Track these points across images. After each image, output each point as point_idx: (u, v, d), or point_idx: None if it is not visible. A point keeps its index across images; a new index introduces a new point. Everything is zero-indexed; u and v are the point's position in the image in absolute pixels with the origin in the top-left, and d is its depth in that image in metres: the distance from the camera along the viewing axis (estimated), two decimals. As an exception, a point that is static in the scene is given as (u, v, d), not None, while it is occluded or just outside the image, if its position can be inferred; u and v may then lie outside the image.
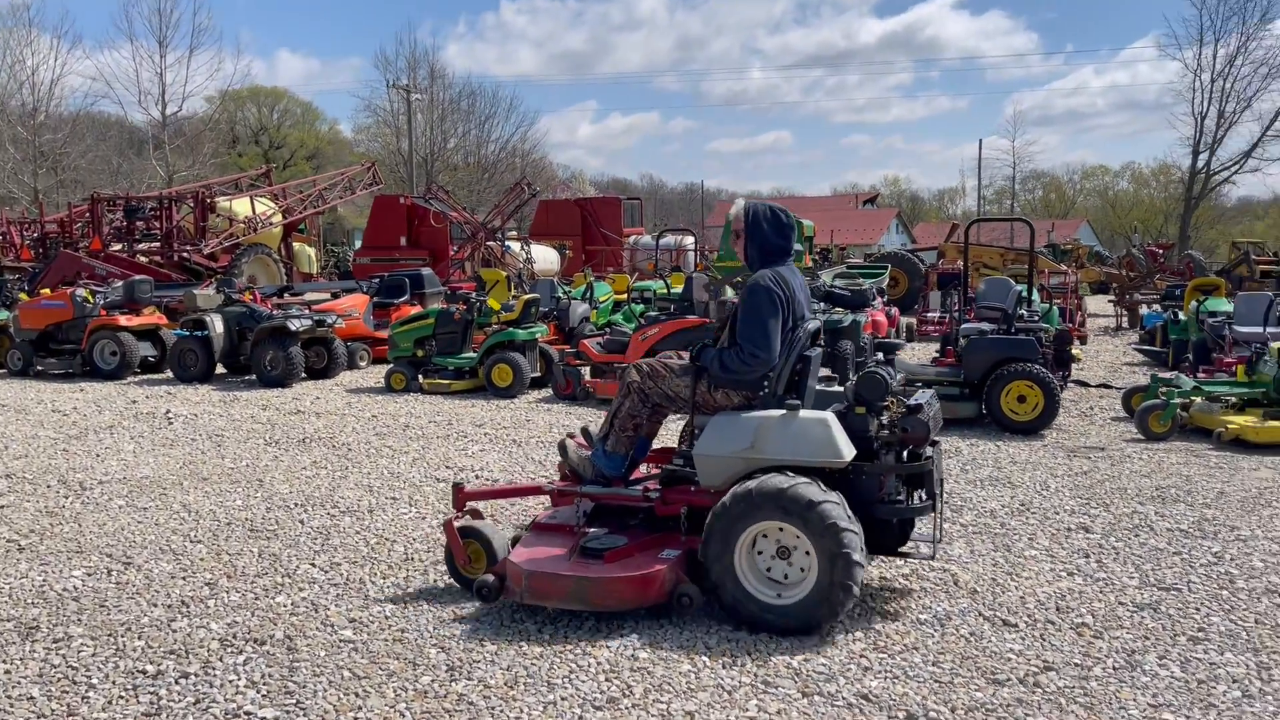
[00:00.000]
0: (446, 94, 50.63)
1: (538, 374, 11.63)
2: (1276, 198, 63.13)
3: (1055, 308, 13.75)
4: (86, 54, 79.52)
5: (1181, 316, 13.47)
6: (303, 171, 50.39)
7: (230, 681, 3.76)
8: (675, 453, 4.93)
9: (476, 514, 4.96)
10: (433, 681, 3.76)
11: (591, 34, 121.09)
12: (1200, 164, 47.91)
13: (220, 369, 12.82)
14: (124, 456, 7.96)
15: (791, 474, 4.11)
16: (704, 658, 3.95)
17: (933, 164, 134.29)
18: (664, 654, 3.98)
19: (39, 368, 13.49)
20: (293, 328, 12.05)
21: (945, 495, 5.26)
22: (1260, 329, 11.09)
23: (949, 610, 4.47)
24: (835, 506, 4.04)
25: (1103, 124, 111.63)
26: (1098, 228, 66.88)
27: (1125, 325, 19.97)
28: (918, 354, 14.41)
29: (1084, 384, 11.66)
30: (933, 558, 4.61)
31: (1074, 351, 11.11)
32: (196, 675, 3.82)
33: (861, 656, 3.97)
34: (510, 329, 11.40)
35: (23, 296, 15.38)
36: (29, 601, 4.64)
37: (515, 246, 25.39)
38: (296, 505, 6.38)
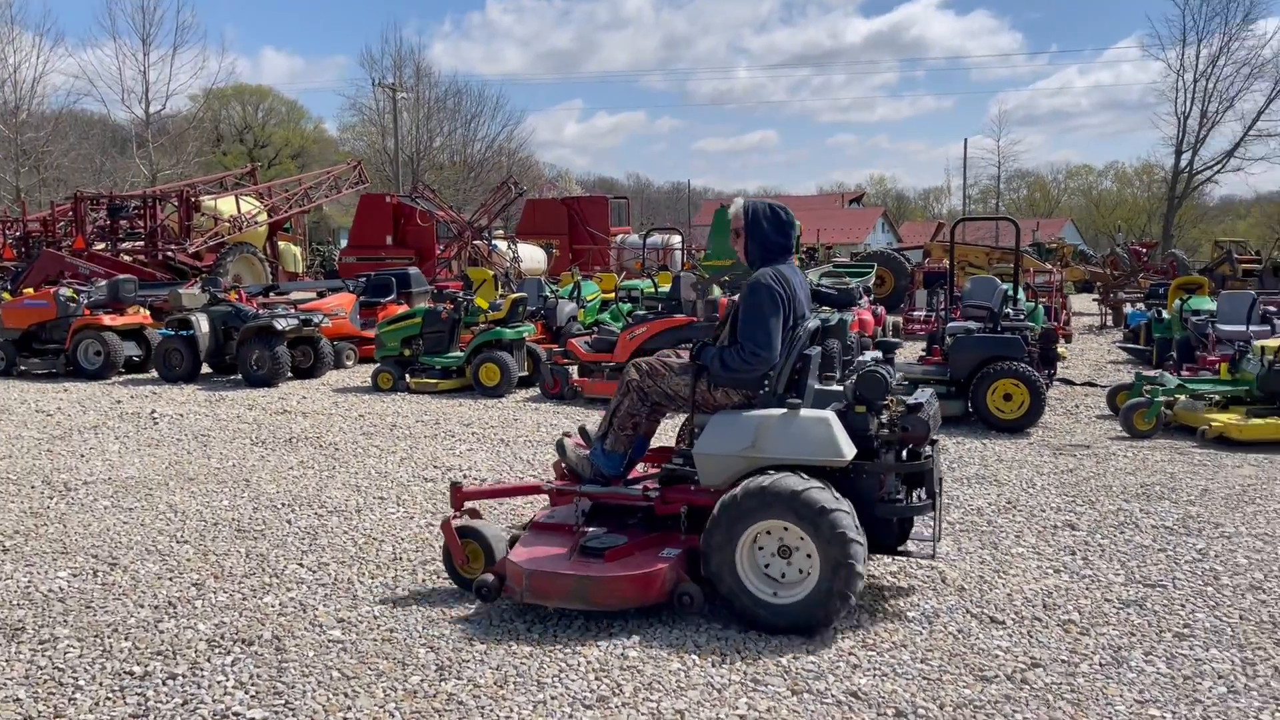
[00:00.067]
0: (432, 93, 50.56)
1: (525, 373, 11.62)
2: (1259, 197, 63.58)
3: (1040, 306, 13.83)
4: (69, 52, 79.26)
5: (1165, 315, 13.56)
6: (288, 170, 50.18)
7: (218, 682, 3.75)
8: (674, 452, 4.93)
9: (475, 513, 4.95)
10: (422, 681, 3.75)
11: (578, 33, 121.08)
12: (1183, 163, 48.21)
13: (206, 369, 12.76)
14: (109, 457, 7.92)
15: (805, 476, 4.10)
16: (694, 656, 3.95)
17: (918, 163, 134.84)
18: (654, 652, 3.98)
19: (22, 368, 13.40)
20: (279, 327, 12.01)
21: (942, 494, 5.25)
22: (1243, 327, 11.18)
23: (937, 608, 4.49)
24: (846, 516, 4.04)
25: (1087, 124, 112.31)
26: (1082, 227, 67.24)
27: (1110, 324, 20.09)
28: (904, 353, 14.45)
29: (1069, 382, 11.72)
30: (933, 557, 4.62)
31: (1059, 350, 11.17)
32: (184, 676, 3.80)
33: (850, 654, 3.99)
34: (497, 328, 11.39)
35: (5, 296, 15.27)
36: (14, 603, 4.61)
37: (502, 245, 25.37)
38: (284, 505, 6.35)
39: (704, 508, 4.34)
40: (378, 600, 4.61)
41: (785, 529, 4.12)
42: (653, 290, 13.71)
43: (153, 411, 10.02)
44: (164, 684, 3.74)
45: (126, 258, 20.17)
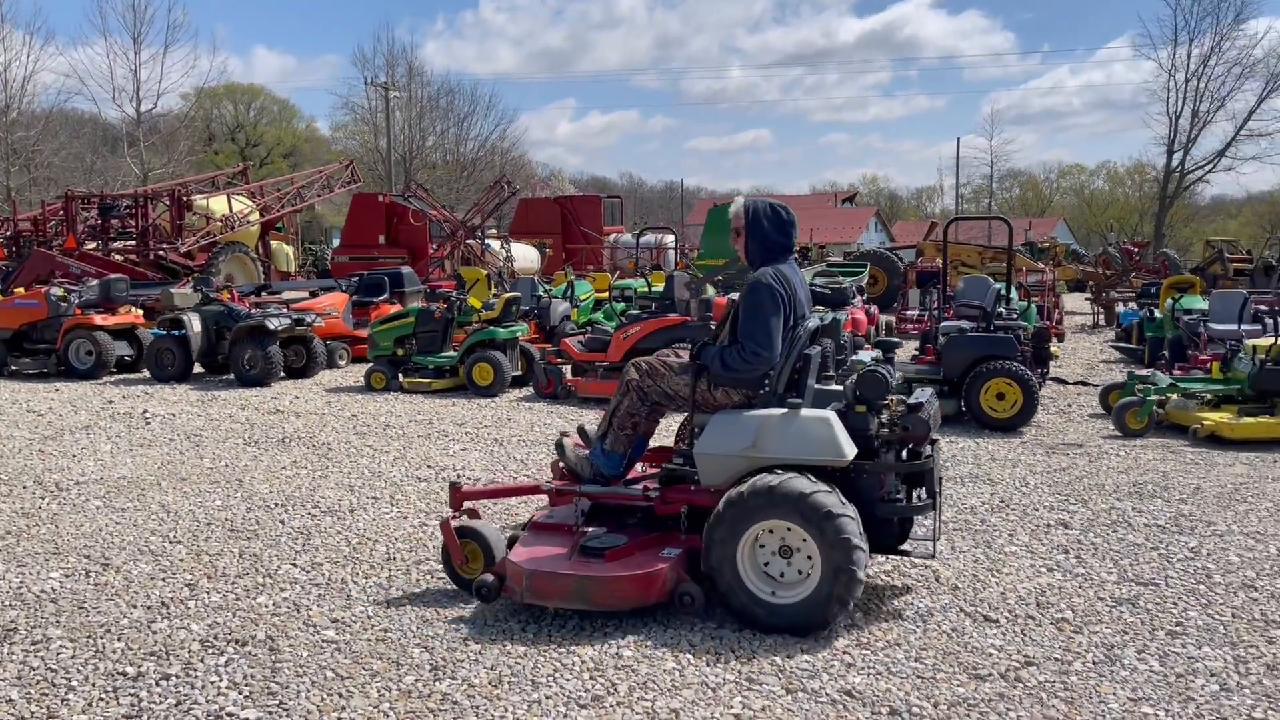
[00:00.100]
0: (425, 92, 50.57)
1: (519, 373, 11.62)
2: (1250, 196, 63.95)
3: (1033, 306, 13.87)
4: (60, 50, 79.09)
5: (1157, 314, 13.60)
6: (280, 169, 50.09)
7: (212, 683, 3.74)
8: (673, 451, 4.92)
9: (474, 514, 4.94)
10: (416, 681, 3.75)
11: (570, 32, 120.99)
12: (1175, 163, 48.47)
13: (198, 368, 12.73)
14: (101, 457, 7.89)
15: (814, 479, 4.09)
16: (688, 655, 3.95)
17: (910, 163, 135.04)
18: (648, 652, 3.98)
19: (13, 368, 13.34)
20: (271, 327, 11.98)
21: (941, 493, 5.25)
22: (1234, 326, 11.22)
23: (931, 606, 4.50)
24: (852, 522, 4.04)
25: (1079, 123, 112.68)
26: (1074, 226, 67.47)
27: (1102, 323, 20.16)
28: (897, 352, 14.46)
29: (1062, 381, 11.75)
30: (932, 556, 4.61)
31: (1052, 349, 11.20)
32: (178, 677, 3.79)
33: (844, 653, 3.99)
34: (491, 327, 11.38)
35: (-4, 295, 15.20)
36: (6, 604, 4.59)
37: (495, 245, 25.35)
38: (277, 505, 6.34)
39: (704, 508, 4.33)
40: (372, 600, 4.60)
41: (788, 529, 4.11)
42: (646, 290, 13.71)
43: (145, 411, 9.99)
44: (157, 685, 3.73)
45: (118, 257, 20.12)
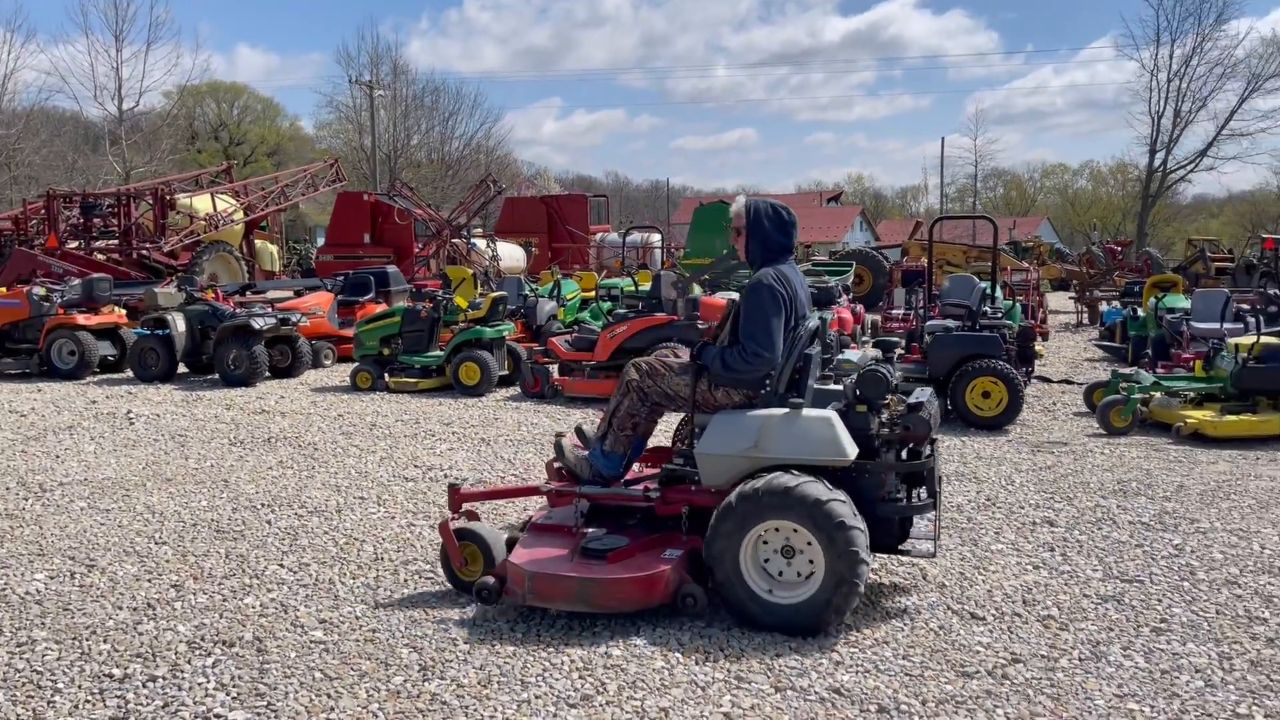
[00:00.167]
0: (410, 90, 50.40)
1: (505, 372, 11.60)
2: (1231, 196, 64.44)
3: (1018, 305, 13.93)
4: (41, 48, 78.54)
5: (1140, 313, 13.70)
6: (264, 168, 49.84)
7: (199, 684, 3.72)
8: (673, 452, 4.92)
9: (473, 515, 4.93)
10: (405, 681, 3.74)
11: (556, 30, 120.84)
12: (1157, 163, 48.79)
13: (182, 368, 12.66)
14: (85, 457, 7.84)
15: (830, 486, 4.08)
16: (677, 654, 3.96)
17: (895, 162, 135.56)
18: (637, 651, 3.99)
19: (-5, 368, 13.24)
20: (256, 326, 11.92)
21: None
22: (1217, 325, 11.30)
23: (918, 604, 4.52)
24: (861, 535, 4.05)
25: (1062, 123, 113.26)
26: (1058, 225, 67.84)
27: (1086, 322, 20.27)
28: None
29: (1047, 380, 11.82)
30: (933, 555, 4.62)
31: (1036, 348, 11.26)
32: (164, 678, 3.77)
33: (833, 650, 4.00)
34: (477, 327, 11.35)
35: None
36: (-10, 606, 4.56)
37: (481, 244, 25.30)
38: (263, 506, 6.31)
39: (705, 508, 4.33)
40: (359, 601, 4.59)
41: (795, 530, 4.10)
42: (633, 289, 13.72)
43: (129, 412, 9.93)
44: (144, 686, 3.71)
45: (100, 256, 19.99)
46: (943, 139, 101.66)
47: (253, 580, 4.89)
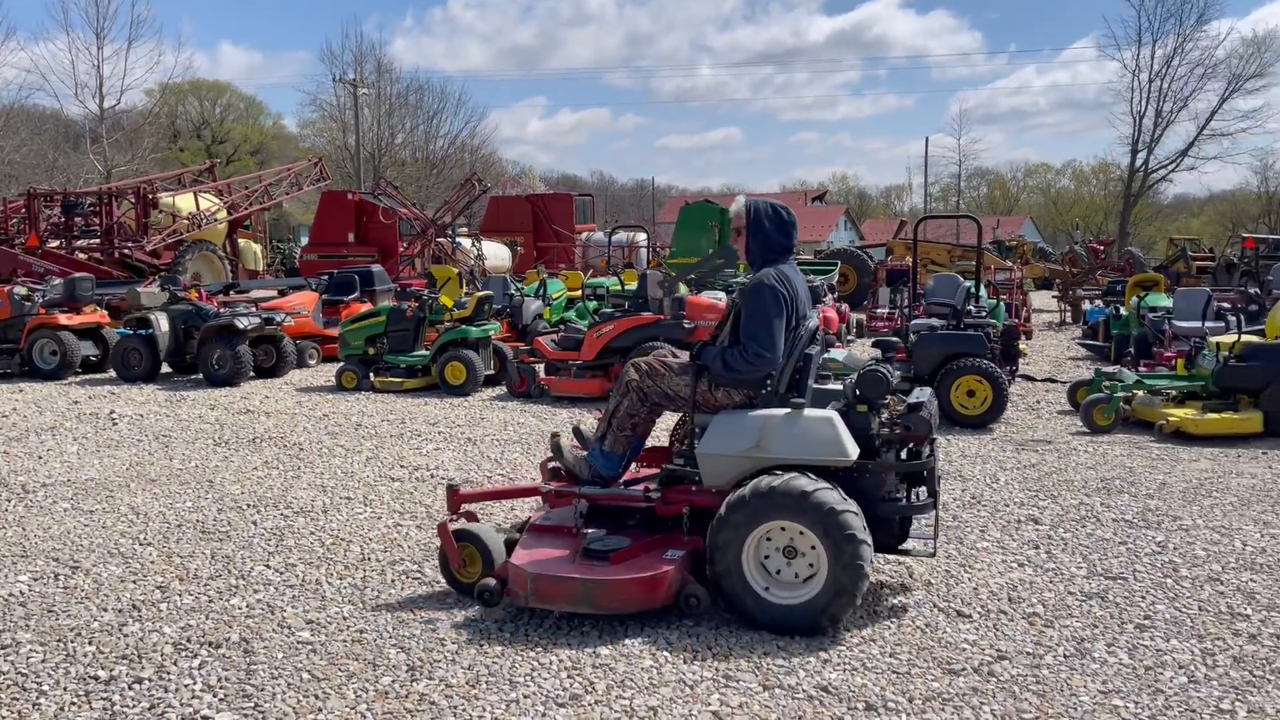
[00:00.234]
0: (394, 88, 50.23)
1: (491, 372, 11.57)
2: (1212, 195, 64.94)
3: (1002, 303, 14.00)
4: (21, 45, 77.42)
5: (1123, 312, 13.78)
6: (247, 167, 49.57)
7: (186, 686, 3.70)
8: (671, 452, 4.91)
9: (472, 516, 4.91)
10: (393, 682, 3.73)
11: (540, 29, 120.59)
12: (1139, 162, 49.13)
13: (165, 368, 12.58)
14: (67, 458, 7.79)
15: (845, 496, 4.09)
16: (665, 653, 3.97)
17: (879, 161, 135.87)
18: (626, 650, 3.99)
19: (-25, 368, 13.12)
20: (241, 326, 11.87)
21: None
22: (1198, 324, 11.39)
23: (904, 602, 4.54)
24: (868, 550, 4.06)
25: (1044, 122, 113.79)
26: (1040, 224, 68.19)
27: (1069, 320, 20.38)
28: (869, 349, 14.59)
29: (1030, 379, 11.89)
30: (933, 555, 4.63)
31: (1020, 347, 11.32)
32: (150, 680, 3.76)
33: (820, 649, 4.02)
34: (463, 326, 11.33)
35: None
36: (-27, 608, 4.52)
37: (466, 243, 25.24)
38: (249, 506, 6.28)
39: (706, 508, 4.32)
40: (347, 601, 4.58)
41: (801, 533, 4.10)
42: (619, 288, 13.72)
43: (112, 412, 9.86)
44: (130, 688, 3.69)
45: (82, 256, 19.83)
46: (927, 138, 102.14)
47: (239, 581, 4.87)
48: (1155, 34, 47.32)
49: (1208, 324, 11.36)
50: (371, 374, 11.49)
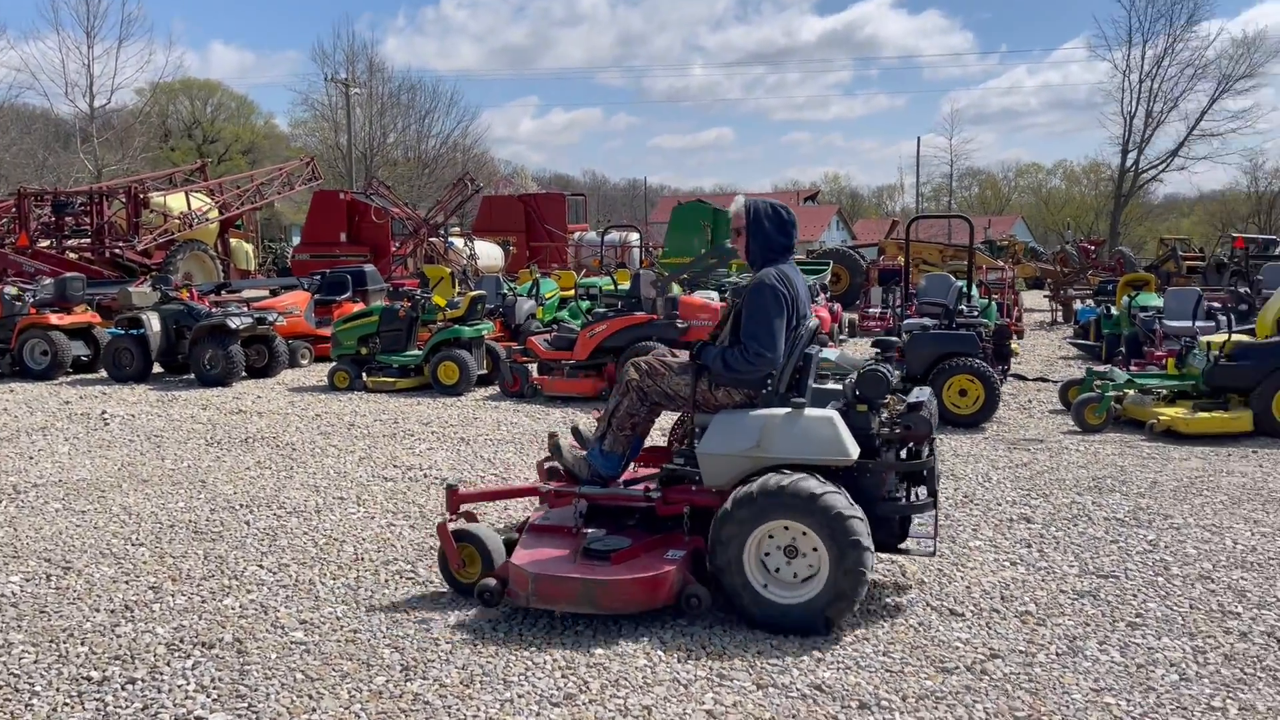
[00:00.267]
0: (386, 88, 50.15)
1: (484, 371, 11.57)
2: (1202, 195, 65.20)
3: (994, 303, 14.04)
4: (10, 44, 77.30)
5: (1114, 311, 13.83)
6: (238, 166, 49.45)
7: (179, 686, 3.70)
8: (670, 452, 4.91)
9: (471, 516, 4.91)
10: (387, 682, 3.73)
11: (533, 29, 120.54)
12: (1129, 162, 49.27)
13: (157, 368, 12.54)
14: (58, 459, 7.76)
15: (852, 501, 4.09)
16: (660, 652, 3.97)
17: (871, 161, 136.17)
18: (620, 649, 4.00)
19: (-35, 368, 13.06)
20: (233, 325, 11.83)
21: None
22: (1189, 323, 11.43)
23: (898, 601, 4.56)
24: (871, 556, 4.07)
25: (1036, 122, 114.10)
26: (1032, 224, 68.35)
27: (1060, 320, 20.45)
28: (860, 349, 14.61)
29: (1022, 378, 11.92)
30: (933, 554, 4.64)
31: (1012, 346, 11.36)
32: (144, 680, 3.75)
33: (814, 647, 4.03)
34: (456, 326, 11.32)
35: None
36: (-36, 609, 4.51)
37: (458, 243, 25.21)
38: (241, 506, 6.27)
39: (706, 508, 4.32)
40: (340, 601, 4.58)
41: (804, 534, 4.11)
42: (612, 288, 13.72)
43: (103, 412, 9.83)
44: (123, 689, 3.69)
45: (73, 255, 19.75)
46: (918, 138, 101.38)
47: (232, 581, 4.86)
48: (1146, 34, 47.55)
49: (1198, 323, 11.40)
50: (364, 374, 11.47)
